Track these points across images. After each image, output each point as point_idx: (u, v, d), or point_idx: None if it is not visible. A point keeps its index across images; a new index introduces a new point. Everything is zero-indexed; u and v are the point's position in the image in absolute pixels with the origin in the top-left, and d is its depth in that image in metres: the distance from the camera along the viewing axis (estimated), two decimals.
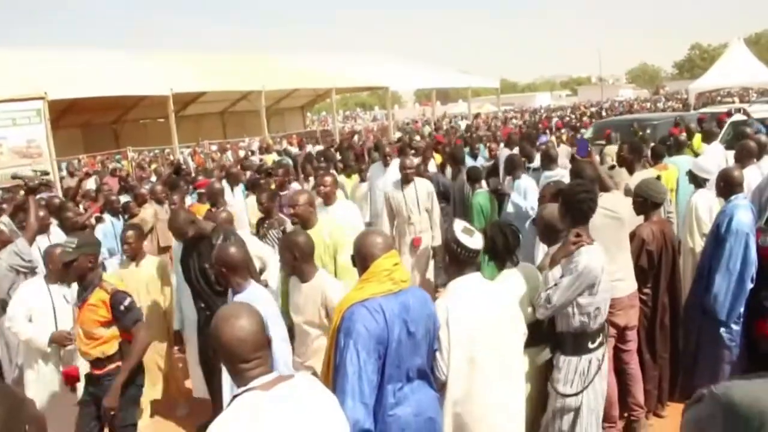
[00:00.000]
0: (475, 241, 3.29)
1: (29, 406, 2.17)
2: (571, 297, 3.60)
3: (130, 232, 5.74)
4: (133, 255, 5.74)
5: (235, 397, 2.10)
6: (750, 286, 4.92)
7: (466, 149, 11.46)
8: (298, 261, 4.02)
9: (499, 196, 7.75)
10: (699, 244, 6.16)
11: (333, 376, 2.87)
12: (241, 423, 1.99)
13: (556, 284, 3.60)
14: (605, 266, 3.73)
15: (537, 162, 8.44)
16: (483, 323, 3.20)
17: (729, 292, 4.84)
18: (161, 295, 5.89)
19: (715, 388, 1.86)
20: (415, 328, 2.92)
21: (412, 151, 11.45)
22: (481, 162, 10.83)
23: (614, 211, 4.57)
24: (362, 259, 3.00)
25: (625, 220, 4.65)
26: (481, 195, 7.60)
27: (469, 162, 9.86)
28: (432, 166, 10.46)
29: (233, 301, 3.69)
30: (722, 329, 5.07)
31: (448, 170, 9.71)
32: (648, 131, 11.10)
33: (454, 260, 3.32)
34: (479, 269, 3.42)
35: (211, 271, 4.69)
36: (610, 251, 4.43)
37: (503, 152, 10.83)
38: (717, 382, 5.14)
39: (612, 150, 9.27)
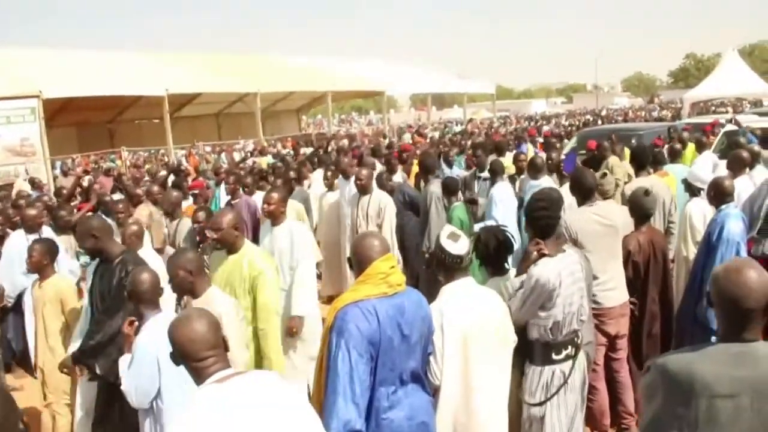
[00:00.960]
0: (459, 246, 3.29)
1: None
2: (530, 309, 3.54)
3: (36, 246, 4.96)
4: (35, 270, 4.93)
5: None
6: None
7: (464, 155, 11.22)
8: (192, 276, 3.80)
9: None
10: (693, 252, 6.18)
11: (325, 376, 2.87)
12: (196, 415, 2.10)
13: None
14: (580, 269, 3.67)
15: (486, 173, 8.32)
16: (477, 327, 3.21)
17: None
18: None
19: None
20: (409, 331, 2.92)
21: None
22: (457, 172, 10.27)
23: (608, 219, 4.60)
24: (359, 262, 3.00)
25: (619, 229, 4.66)
26: (458, 208, 7.04)
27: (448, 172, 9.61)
28: (399, 176, 9.49)
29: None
30: (713, 338, 5.09)
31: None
32: (633, 141, 10.92)
33: (442, 266, 3.34)
34: (470, 274, 3.42)
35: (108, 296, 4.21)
36: (602, 260, 4.45)
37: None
38: None
39: (615, 160, 9.23)
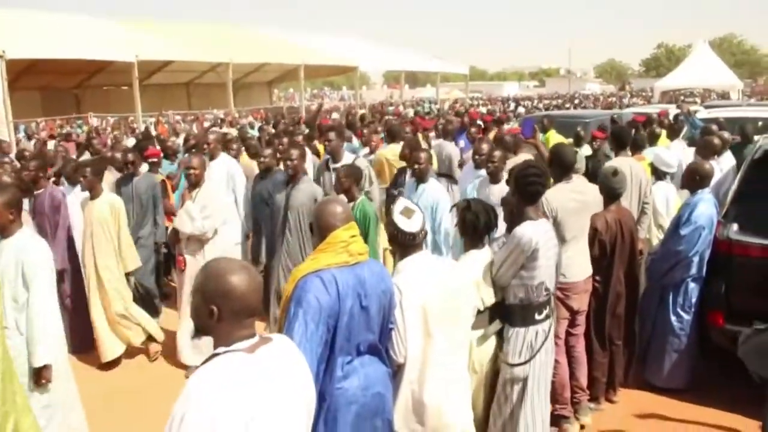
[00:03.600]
0: (412, 223, 3.25)
1: None
2: (512, 266, 3.75)
3: None
4: None
5: (215, 355, 2.01)
6: (697, 274, 5.14)
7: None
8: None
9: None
10: (655, 235, 6.30)
11: None
12: (226, 385, 1.90)
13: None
14: (553, 244, 3.87)
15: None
16: (435, 301, 3.20)
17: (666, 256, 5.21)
18: None
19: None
20: (368, 303, 2.87)
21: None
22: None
23: (582, 195, 4.68)
24: (320, 229, 2.94)
25: (591, 205, 4.73)
26: (365, 200, 5.76)
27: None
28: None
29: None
30: (673, 317, 5.21)
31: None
32: (579, 129, 10.59)
33: (395, 243, 3.33)
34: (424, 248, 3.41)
35: None
36: (573, 235, 4.53)
37: (441, 143, 9.37)
38: (664, 370, 5.35)
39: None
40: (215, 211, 5.91)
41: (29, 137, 16.71)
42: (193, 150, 8.59)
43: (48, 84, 28.15)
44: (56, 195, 6.34)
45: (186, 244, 5.96)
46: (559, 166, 4.73)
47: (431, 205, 5.70)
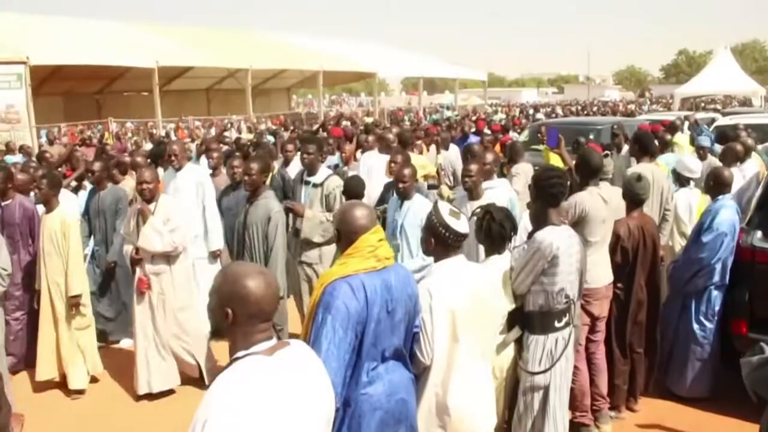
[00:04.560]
0: (462, 224, 3.27)
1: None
2: (531, 269, 3.71)
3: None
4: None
5: (235, 359, 2.02)
6: (720, 282, 5.07)
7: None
8: None
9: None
10: (678, 241, 6.23)
11: None
12: (246, 389, 1.90)
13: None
14: (576, 250, 3.83)
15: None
16: (465, 306, 3.18)
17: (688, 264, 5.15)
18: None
19: None
20: (394, 308, 2.86)
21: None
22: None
23: (610, 201, 4.66)
24: (349, 233, 2.91)
25: (617, 211, 4.72)
26: None
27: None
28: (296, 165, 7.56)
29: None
30: (695, 326, 5.14)
31: None
32: (591, 136, 10.31)
33: (440, 243, 3.29)
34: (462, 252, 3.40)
35: None
36: (599, 239, 4.53)
37: (446, 154, 9.52)
38: (686, 379, 5.24)
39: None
40: (181, 223, 5.53)
41: (50, 142, 16.91)
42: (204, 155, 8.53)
43: (70, 89, 28.52)
44: (27, 205, 6.12)
45: (151, 262, 5.47)
46: (587, 170, 4.70)
47: (417, 224, 4.89)
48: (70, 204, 6.47)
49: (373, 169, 7.86)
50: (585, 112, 32.53)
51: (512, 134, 13.38)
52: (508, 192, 5.68)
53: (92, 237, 6.75)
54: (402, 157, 6.46)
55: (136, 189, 5.76)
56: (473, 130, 12.79)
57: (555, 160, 7.08)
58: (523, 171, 7.41)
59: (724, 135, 9.35)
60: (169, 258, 5.47)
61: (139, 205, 5.56)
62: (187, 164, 6.93)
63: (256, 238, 5.37)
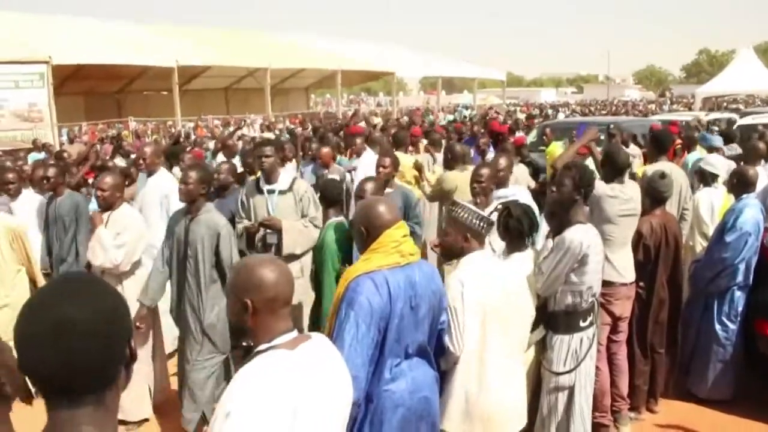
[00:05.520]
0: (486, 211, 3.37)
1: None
2: (561, 270, 3.69)
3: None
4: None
5: (257, 353, 2.02)
6: (743, 282, 5.00)
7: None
8: None
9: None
10: (699, 242, 6.14)
11: None
12: (268, 383, 1.90)
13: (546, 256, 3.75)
14: (600, 248, 3.83)
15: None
16: (493, 300, 3.18)
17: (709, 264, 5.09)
18: None
19: None
20: (418, 304, 2.85)
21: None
22: (320, 171, 7.85)
23: (634, 200, 4.61)
24: (374, 228, 2.87)
25: (639, 211, 4.67)
26: (333, 227, 4.40)
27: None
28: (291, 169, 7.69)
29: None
30: (718, 326, 5.07)
31: None
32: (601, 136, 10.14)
33: (475, 236, 3.26)
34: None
35: None
36: (620, 238, 4.50)
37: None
38: (708, 380, 5.18)
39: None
40: (132, 240, 4.89)
41: (71, 141, 17.09)
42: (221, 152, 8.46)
43: (91, 89, 28.79)
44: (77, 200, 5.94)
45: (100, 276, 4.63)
46: (612, 168, 4.65)
47: None
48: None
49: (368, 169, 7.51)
50: (604, 111, 32.32)
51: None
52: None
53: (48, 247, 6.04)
54: (390, 160, 5.83)
55: (95, 195, 5.23)
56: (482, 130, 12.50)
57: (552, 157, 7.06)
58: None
59: (746, 134, 9.22)
60: (119, 275, 4.93)
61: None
62: (159, 170, 6.40)
63: (201, 258, 4.55)
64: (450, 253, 3.31)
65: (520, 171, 7.31)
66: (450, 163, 6.43)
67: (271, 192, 5.31)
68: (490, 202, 4.80)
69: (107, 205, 4.92)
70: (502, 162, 5.47)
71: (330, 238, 4.24)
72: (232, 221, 5.23)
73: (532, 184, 7.47)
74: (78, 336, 1.24)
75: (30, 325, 1.26)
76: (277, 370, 1.93)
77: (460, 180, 5.81)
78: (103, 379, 1.31)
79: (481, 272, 3.21)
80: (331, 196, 4.81)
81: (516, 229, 3.82)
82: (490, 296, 3.17)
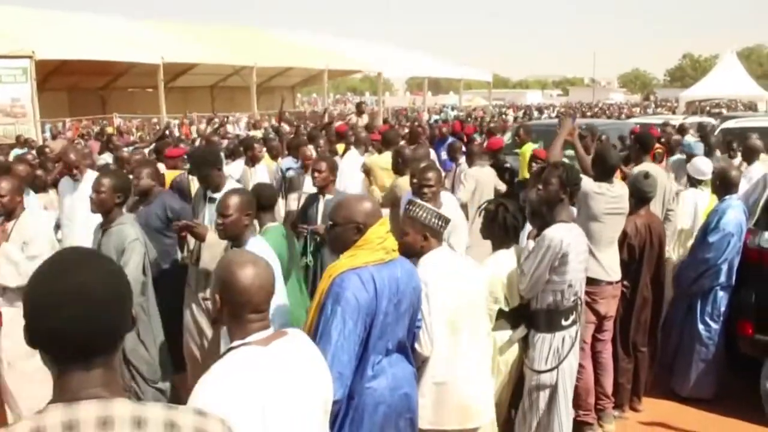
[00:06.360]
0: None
1: None
2: (543, 270, 3.70)
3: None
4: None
5: (230, 349, 2.02)
6: (726, 282, 5.05)
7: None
8: None
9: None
10: (675, 248, 6.21)
11: (315, 341, 2.79)
12: (237, 379, 1.89)
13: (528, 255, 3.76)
14: (583, 248, 3.86)
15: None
16: (457, 294, 3.22)
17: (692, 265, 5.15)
18: None
19: None
20: (399, 300, 2.84)
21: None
22: (293, 173, 7.39)
23: (622, 200, 4.61)
24: (360, 225, 2.82)
25: (626, 212, 4.68)
26: (273, 231, 4.36)
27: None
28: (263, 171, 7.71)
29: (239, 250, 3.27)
30: (701, 326, 5.12)
31: None
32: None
33: (433, 235, 3.32)
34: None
35: None
36: (607, 238, 4.51)
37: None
38: (691, 379, 5.22)
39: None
40: (44, 249, 4.32)
41: (54, 136, 16.89)
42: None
43: (75, 85, 28.51)
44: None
45: (3, 296, 4.39)
46: (602, 167, 4.66)
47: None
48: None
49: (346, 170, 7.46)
50: (589, 114, 32.51)
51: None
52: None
53: None
54: (326, 164, 5.39)
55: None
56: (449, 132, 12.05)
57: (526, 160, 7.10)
58: (472, 176, 7.11)
59: (732, 138, 9.31)
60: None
61: None
62: (87, 174, 5.93)
63: None
64: (409, 252, 3.25)
65: (486, 173, 7.31)
66: (401, 169, 6.24)
67: (212, 200, 4.80)
68: (440, 206, 4.62)
69: (8, 212, 4.45)
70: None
71: (272, 244, 3.85)
72: (168, 227, 4.88)
73: (501, 186, 7.49)
74: (99, 297, 1.34)
75: (54, 288, 1.33)
76: (246, 367, 1.93)
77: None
78: (116, 340, 1.40)
79: (443, 272, 3.23)
80: (265, 201, 4.44)
81: (513, 225, 3.86)
82: (454, 295, 3.20)
